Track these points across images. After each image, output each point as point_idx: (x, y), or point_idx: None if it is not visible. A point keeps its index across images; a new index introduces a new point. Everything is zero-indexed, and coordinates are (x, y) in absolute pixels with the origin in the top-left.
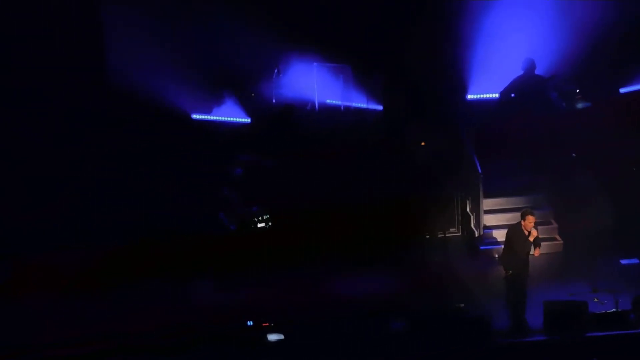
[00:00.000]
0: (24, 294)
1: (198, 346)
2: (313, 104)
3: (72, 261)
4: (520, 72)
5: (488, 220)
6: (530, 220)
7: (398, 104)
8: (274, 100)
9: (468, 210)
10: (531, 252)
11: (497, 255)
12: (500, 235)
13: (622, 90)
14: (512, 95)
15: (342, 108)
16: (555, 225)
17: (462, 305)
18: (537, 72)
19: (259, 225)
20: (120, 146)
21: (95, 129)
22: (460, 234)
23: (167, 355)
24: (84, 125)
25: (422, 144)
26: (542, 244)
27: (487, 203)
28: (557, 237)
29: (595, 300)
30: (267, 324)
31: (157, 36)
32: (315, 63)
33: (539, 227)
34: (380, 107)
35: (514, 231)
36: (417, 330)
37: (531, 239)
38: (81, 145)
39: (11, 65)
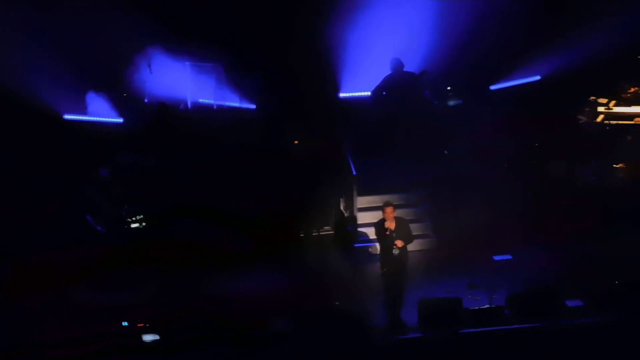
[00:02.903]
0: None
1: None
2: (186, 103)
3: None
4: (390, 71)
5: (362, 218)
6: (387, 211)
7: (271, 103)
8: (146, 100)
9: (342, 208)
10: (396, 251)
11: (370, 252)
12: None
13: (492, 88)
14: (384, 93)
15: (215, 107)
16: (430, 222)
17: (338, 302)
18: (409, 70)
19: (133, 225)
20: None
21: None
22: (334, 232)
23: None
24: None
25: (296, 142)
26: (416, 241)
27: (361, 201)
28: (432, 234)
29: (470, 296)
30: (143, 325)
31: (25, 32)
32: (187, 62)
33: (413, 225)
34: (254, 106)
35: (378, 226)
36: (296, 329)
37: (387, 229)
38: None
39: None
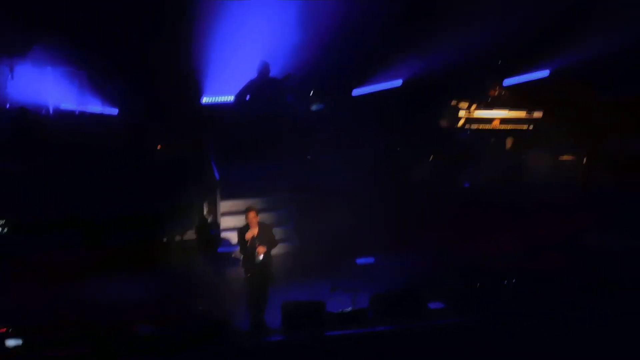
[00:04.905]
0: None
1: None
2: (48, 108)
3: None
4: (255, 75)
5: (226, 222)
6: (250, 216)
7: (134, 108)
8: (7, 106)
9: (205, 213)
10: (259, 257)
11: (234, 256)
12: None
13: (354, 92)
14: (247, 97)
15: (77, 113)
16: (293, 226)
17: (201, 307)
18: (272, 74)
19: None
20: None
21: None
22: (197, 236)
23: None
24: None
25: (159, 147)
26: (280, 245)
27: (224, 205)
28: (295, 238)
29: (333, 298)
30: (5, 329)
31: None
32: (49, 67)
33: (276, 229)
34: (116, 111)
35: (241, 232)
36: (160, 333)
37: (248, 236)
38: None
39: None
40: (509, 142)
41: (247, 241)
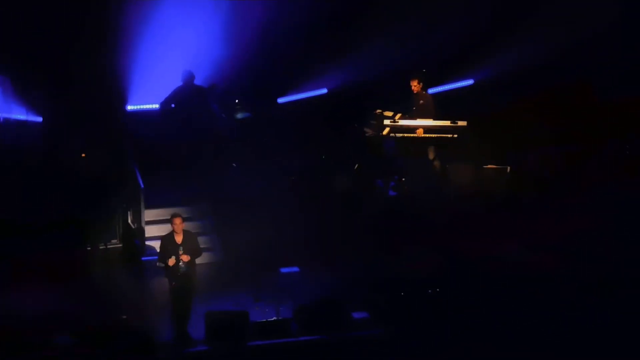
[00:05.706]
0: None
1: None
2: None
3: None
4: (180, 83)
5: (150, 231)
6: (176, 222)
7: (58, 116)
8: None
9: (130, 221)
10: (182, 266)
11: (158, 265)
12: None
13: (280, 101)
14: (172, 105)
15: (1, 120)
16: (216, 236)
17: (125, 317)
18: (197, 82)
19: None
20: None
21: None
22: (122, 245)
23: None
24: None
25: (83, 155)
26: (204, 254)
27: (149, 214)
28: (219, 247)
29: (257, 308)
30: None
31: None
32: None
33: (201, 237)
34: (40, 119)
35: (165, 240)
36: (82, 343)
37: (178, 240)
38: None
39: None
40: (432, 151)
41: (172, 249)
